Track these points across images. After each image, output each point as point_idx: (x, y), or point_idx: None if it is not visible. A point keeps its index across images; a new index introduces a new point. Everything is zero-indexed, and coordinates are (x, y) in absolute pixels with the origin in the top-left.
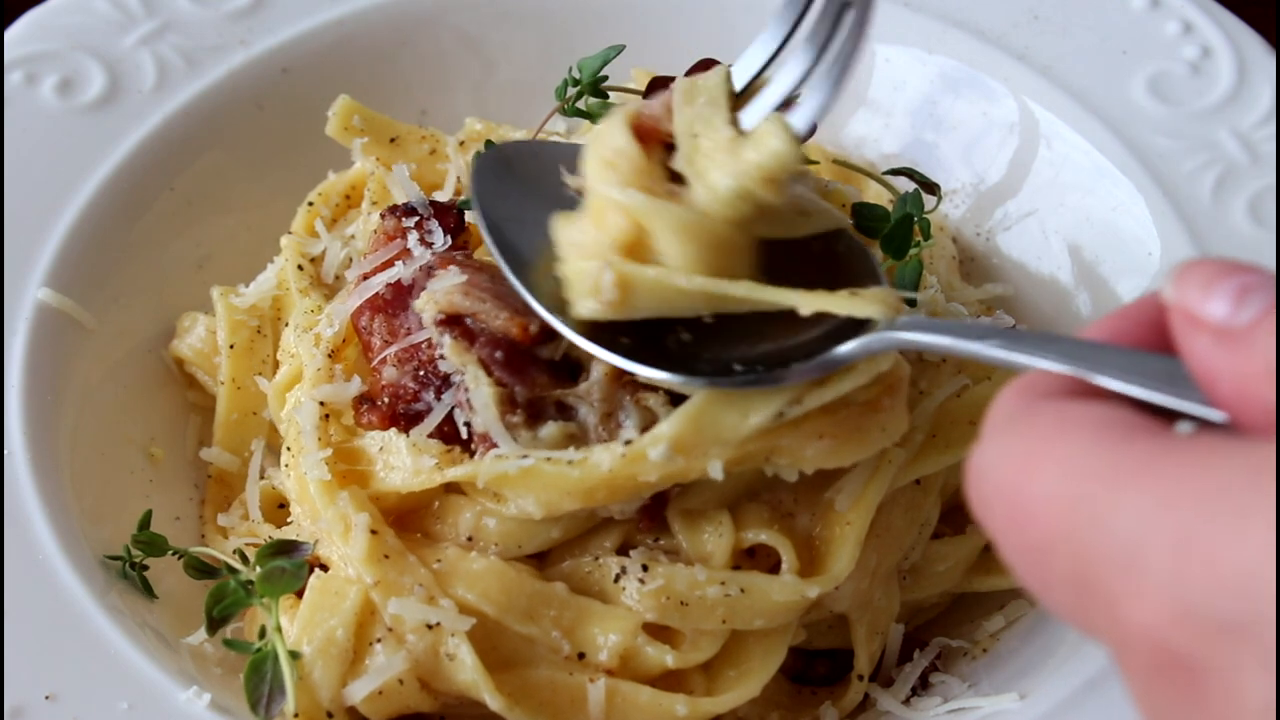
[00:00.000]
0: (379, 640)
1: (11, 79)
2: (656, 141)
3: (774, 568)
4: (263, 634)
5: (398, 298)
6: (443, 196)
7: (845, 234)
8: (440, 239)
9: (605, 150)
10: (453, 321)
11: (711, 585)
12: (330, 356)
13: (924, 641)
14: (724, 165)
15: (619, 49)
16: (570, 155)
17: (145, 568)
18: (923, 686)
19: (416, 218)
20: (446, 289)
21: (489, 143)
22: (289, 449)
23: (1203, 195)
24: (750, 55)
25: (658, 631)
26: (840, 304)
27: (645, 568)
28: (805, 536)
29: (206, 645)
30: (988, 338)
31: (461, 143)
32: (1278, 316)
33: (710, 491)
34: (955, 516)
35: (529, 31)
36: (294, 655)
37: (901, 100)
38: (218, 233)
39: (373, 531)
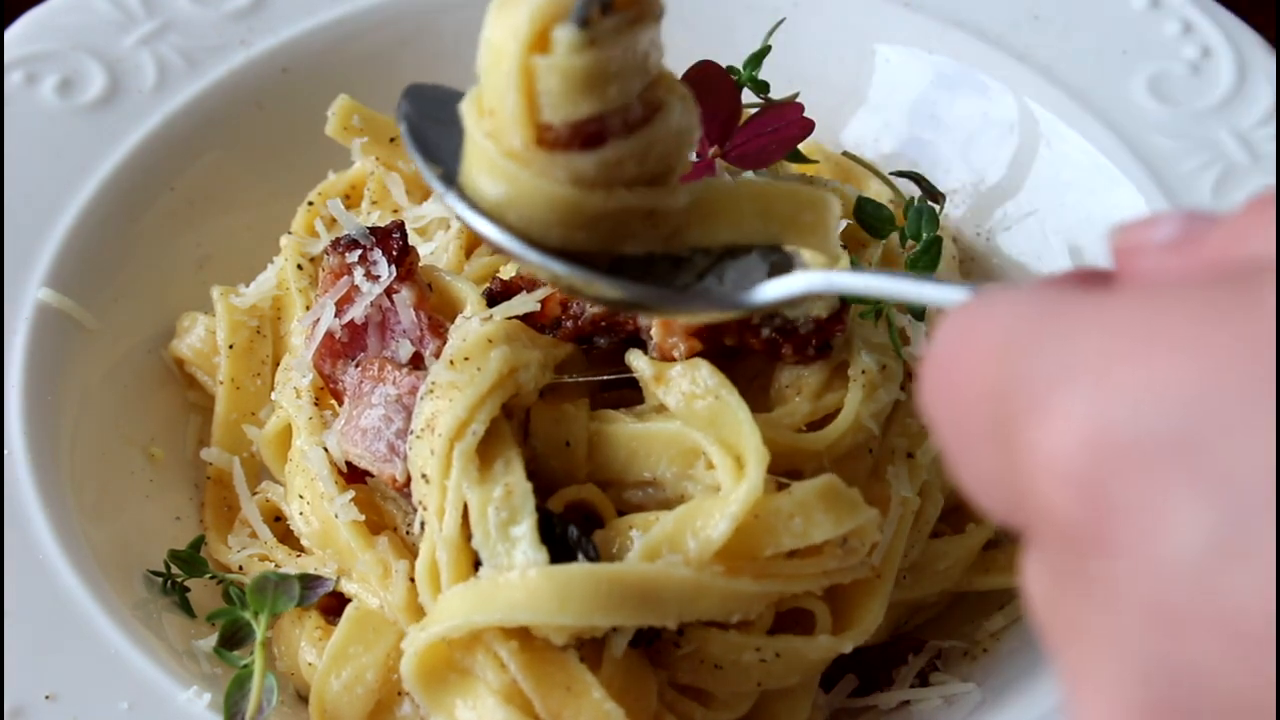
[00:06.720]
0: (408, 693)
1: (11, 79)
2: None
3: (799, 614)
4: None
5: (354, 340)
6: None
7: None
8: (385, 270)
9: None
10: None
11: (747, 651)
12: (317, 404)
13: (923, 641)
14: None
15: None
16: None
17: (187, 589)
18: (923, 686)
19: (360, 250)
20: (335, 442)
21: None
22: (302, 496)
23: (1203, 195)
24: None
25: (686, 688)
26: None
27: (680, 630)
28: (832, 585)
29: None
30: (905, 278)
31: None
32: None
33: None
34: (954, 515)
35: None
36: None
37: (901, 100)
38: (218, 233)
39: (411, 580)
